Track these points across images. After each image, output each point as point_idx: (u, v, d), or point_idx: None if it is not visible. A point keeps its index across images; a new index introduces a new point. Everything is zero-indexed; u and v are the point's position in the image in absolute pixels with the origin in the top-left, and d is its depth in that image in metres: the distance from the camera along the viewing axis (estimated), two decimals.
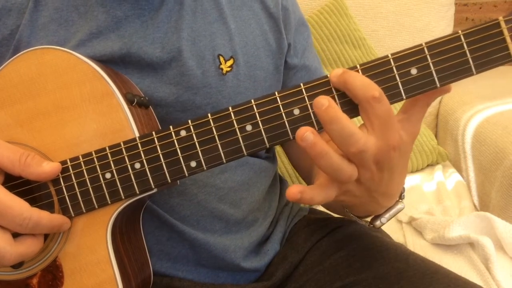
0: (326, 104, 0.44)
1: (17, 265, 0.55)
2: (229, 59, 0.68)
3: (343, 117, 0.44)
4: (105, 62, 0.62)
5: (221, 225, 0.70)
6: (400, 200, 0.57)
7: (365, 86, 0.45)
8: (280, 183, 0.85)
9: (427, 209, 1.10)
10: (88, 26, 0.63)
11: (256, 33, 0.72)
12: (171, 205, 0.67)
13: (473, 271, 0.85)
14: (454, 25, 1.53)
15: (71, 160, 0.55)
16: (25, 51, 0.58)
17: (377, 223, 0.58)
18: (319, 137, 0.44)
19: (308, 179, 0.81)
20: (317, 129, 0.50)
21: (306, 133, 0.44)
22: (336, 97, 0.48)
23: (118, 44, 0.63)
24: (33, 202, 0.53)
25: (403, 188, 0.58)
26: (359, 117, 0.48)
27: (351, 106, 0.48)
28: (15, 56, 0.58)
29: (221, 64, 0.67)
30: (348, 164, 0.46)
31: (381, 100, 0.45)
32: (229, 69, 0.68)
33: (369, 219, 0.60)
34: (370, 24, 1.43)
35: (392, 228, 1.04)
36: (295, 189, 0.46)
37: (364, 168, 0.47)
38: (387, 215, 0.57)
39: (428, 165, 1.35)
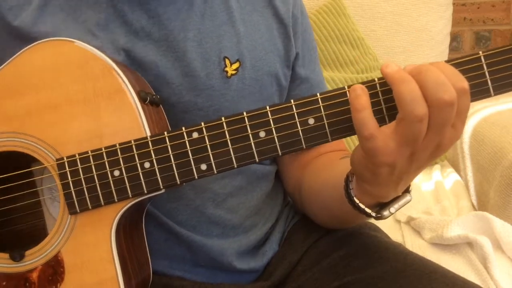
0: (401, 68, 0.45)
1: (18, 258, 0.54)
2: (235, 62, 0.67)
3: (433, 67, 0.44)
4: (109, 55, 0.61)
5: (218, 231, 0.69)
6: (408, 193, 0.55)
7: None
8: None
9: (426, 208, 1.10)
10: (95, 17, 0.63)
11: (265, 38, 0.71)
12: (168, 209, 0.67)
13: (472, 271, 0.85)
14: (452, 25, 1.53)
15: (80, 154, 0.54)
16: (40, 41, 0.57)
17: (386, 213, 0.54)
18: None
19: (294, 192, 0.78)
20: (330, 140, 0.50)
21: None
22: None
23: (123, 39, 0.63)
24: (20, 211, 0.52)
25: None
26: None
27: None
28: (30, 46, 0.57)
29: (226, 66, 0.66)
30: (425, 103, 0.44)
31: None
32: (234, 72, 0.67)
33: (373, 213, 0.55)
34: (368, 24, 1.43)
35: (391, 228, 1.03)
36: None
37: (438, 133, 0.45)
38: (396, 205, 0.54)
39: None
